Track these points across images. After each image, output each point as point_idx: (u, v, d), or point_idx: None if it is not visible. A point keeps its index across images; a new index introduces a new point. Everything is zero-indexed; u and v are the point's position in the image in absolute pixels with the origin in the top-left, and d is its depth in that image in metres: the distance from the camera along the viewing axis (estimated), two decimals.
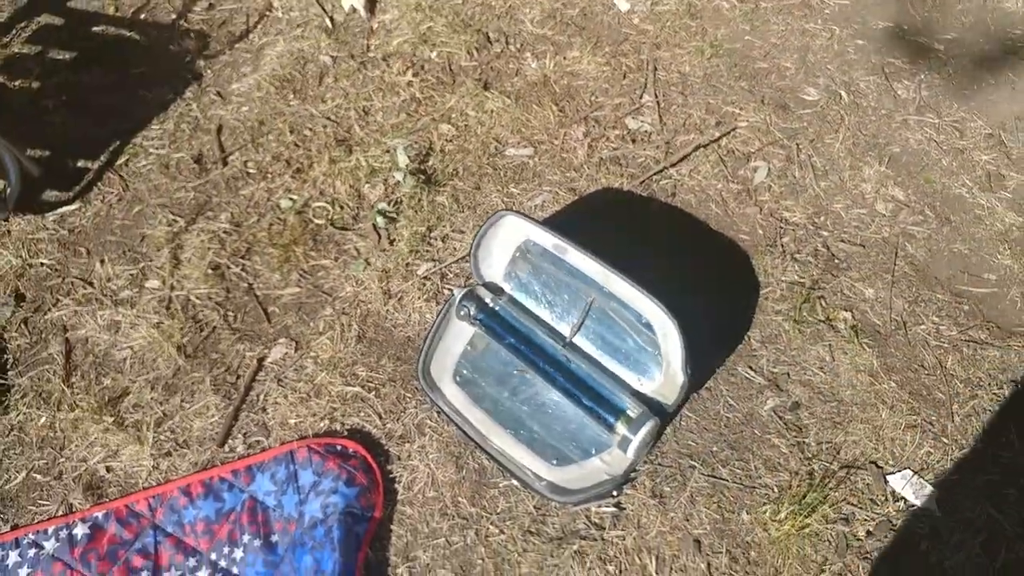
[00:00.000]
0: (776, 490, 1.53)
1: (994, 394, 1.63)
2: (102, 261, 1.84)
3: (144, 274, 1.83)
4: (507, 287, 1.68)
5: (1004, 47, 2.15)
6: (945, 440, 1.58)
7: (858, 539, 1.47)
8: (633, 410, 1.46)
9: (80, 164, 2.00)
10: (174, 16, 2.30)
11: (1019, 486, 1.52)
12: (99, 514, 1.53)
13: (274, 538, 1.49)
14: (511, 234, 1.63)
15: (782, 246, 1.84)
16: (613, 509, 1.52)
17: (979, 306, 1.75)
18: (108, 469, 1.58)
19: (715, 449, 1.58)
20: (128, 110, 2.10)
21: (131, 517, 1.53)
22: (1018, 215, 1.87)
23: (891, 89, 2.10)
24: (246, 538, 1.49)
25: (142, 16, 2.31)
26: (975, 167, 1.95)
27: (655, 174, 1.95)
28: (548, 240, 1.57)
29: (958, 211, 1.89)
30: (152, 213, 1.92)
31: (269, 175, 1.98)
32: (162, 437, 1.62)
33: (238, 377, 1.71)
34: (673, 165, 1.97)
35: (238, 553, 1.48)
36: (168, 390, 1.68)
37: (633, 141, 2.02)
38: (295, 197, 1.93)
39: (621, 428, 1.44)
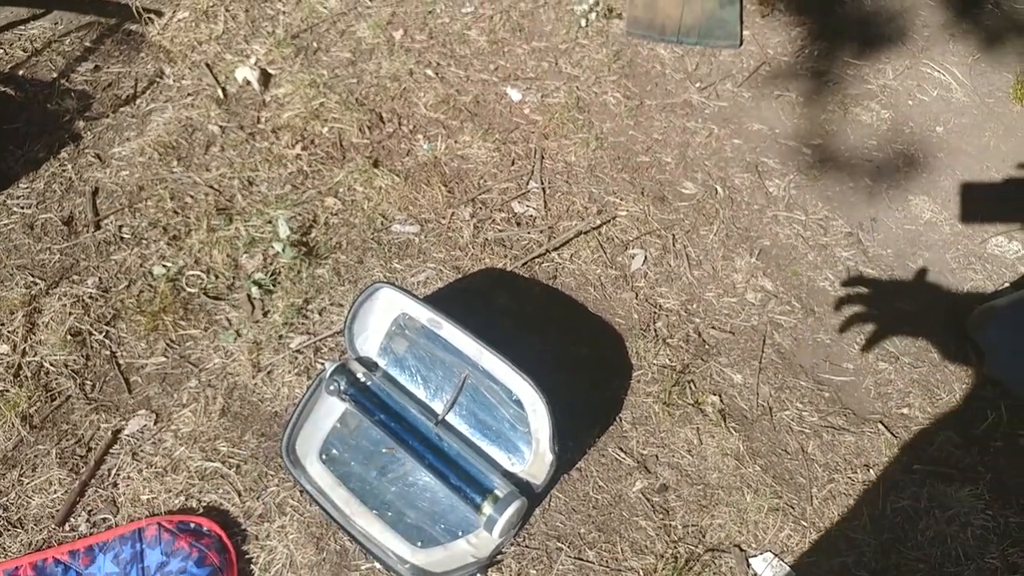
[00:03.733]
0: (641, 573, 1.53)
1: (849, 478, 1.69)
2: None
3: None
4: (382, 362, 1.66)
5: (862, 155, 2.31)
6: (804, 523, 1.62)
7: None
8: (501, 490, 1.45)
9: None
10: (56, 75, 2.24)
11: (870, 569, 1.57)
12: None
13: None
14: (387, 308, 1.62)
15: (655, 331, 1.89)
16: None
17: (838, 393, 1.83)
18: None
19: (583, 531, 1.57)
20: None
21: None
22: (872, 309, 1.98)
23: (763, 186, 2.23)
24: None
25: (20, 72, 2.24)
26: (837, 262, 2.07)
27: (537, 257, 1.99)
28: (424, 314, 1.57)
29: (821, 303, 1.99)
30: (9, 275, 1.82)
31: (144, 241, 1.92)
32: None
33: (89, 450, 1.61)
34: (555, 249, 2.01)
35: None
36: (5, 463, 1.57)
37: (518, 224, 2.06)
38: (169, 264, 1.87)
39: (487, 508, 1.42)
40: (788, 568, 1.55)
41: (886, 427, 1.77)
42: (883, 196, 2.22)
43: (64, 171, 2.04)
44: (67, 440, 1.61)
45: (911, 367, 1.88)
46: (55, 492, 1.53)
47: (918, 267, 2.07)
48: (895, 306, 1.99)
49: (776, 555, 1.57)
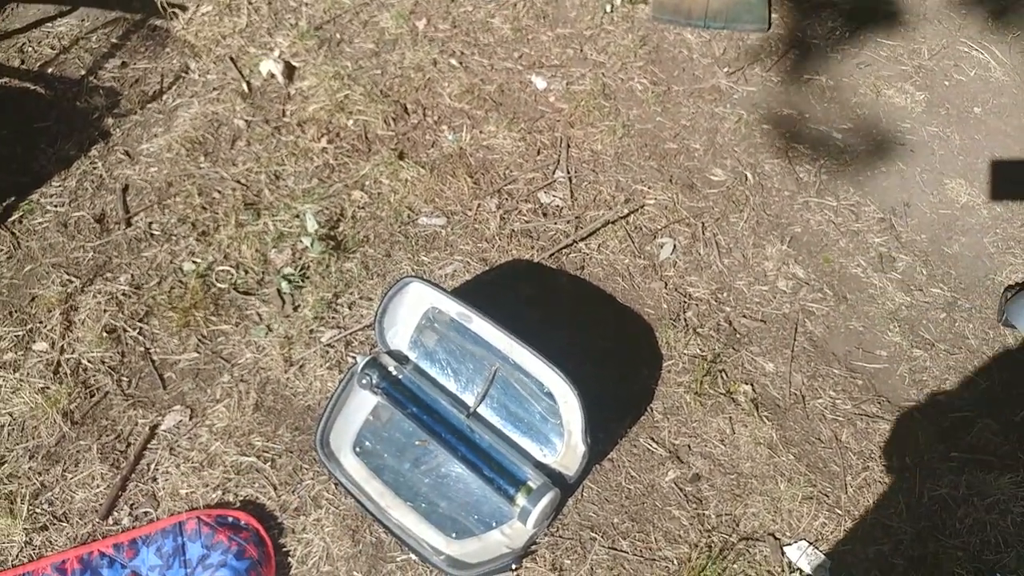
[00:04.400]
0: (676, 562, 1.53)
1: (884, 466, 1.67)
2: None
3: (31, 336, 1.75)
4: (412, 355, 1.66)
5: (895, 139, 2.28)
6: (839, 511, 1.61)
7: None
8: (534, 481, 1.45)
9: None
10: (84, 72, 2.26)
11: (907, 556, 1.56)
12: None
13: None
14: (417, 301, 1.62)
15: (685, 320, 1.88)
16: None
17: (872, 381, 1.81)
18: None
19: (616, 521, 1.57)
20: (27, 165, 2.04)
21: None
22: (906, 295, 1.95)
23: (794, 172, 2.20)
24: None
25: (49, 70, 2.26)
26: (869, 249, 2.04)
27: (565, 247, 1.98)
28: (453, 308, 1.57)
29: (854, 290, 1.97)
30: (45, 273, 1.85)
31: (174, 237, 1.94)
32: (38, 510, 1.53)
33: (128, 445, 1.63)
34: (583, 239, 2.00)
35: None
36: (49, 459, 1.59)
37: (545, 215, 2.05)
38: (199, 260, 1.88)
39: (521, 499, 1.42)
40: (823, 556, 1.54)
41: (922, 415, 1.75)
42: (917, 180, 2.18)
43: (95, 168, 2.06)
44: (107, 435, 1.63)
45: (947, 354, 1.85)
46: (97, 487, 1.56)
47: (954, 252, 2.04)
48: (930, 292, 1.96)
49: (811, 543, 1.56)
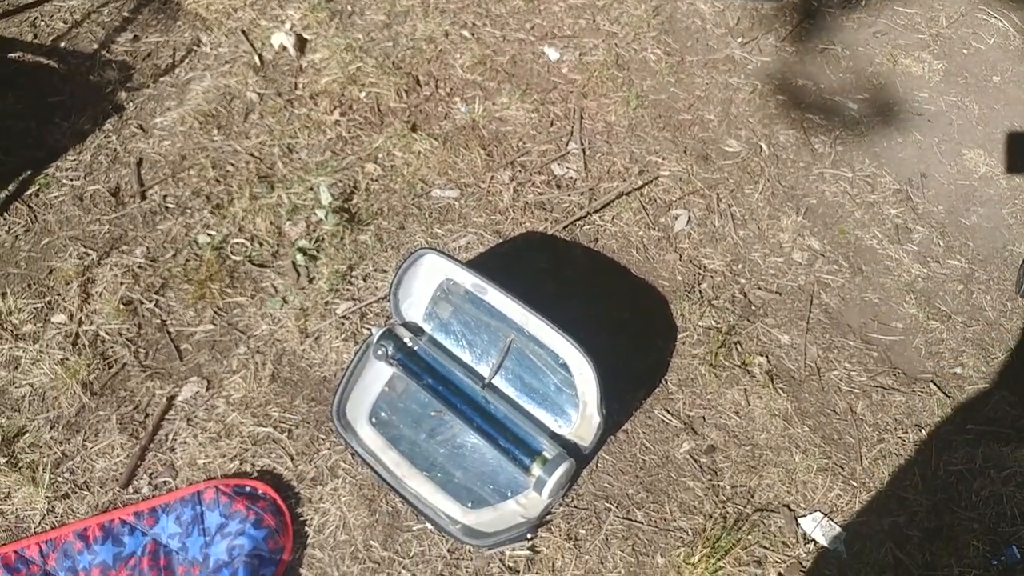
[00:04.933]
0: (690, 533, 1.53)
1: (900, 438, 1.67)
2: (3, 294, 1.76)
3: (50, 308, 1.76)
4: (427, 327, 1.66)
5: (912, 108, 2.25)
6: (854, 483, 1.61)
7: None
8: (549, 451, 1.46)
9: None
10: (96, 46, 2.26)
11: (922, 528, 1.56)
12: None
13: None
14: (432, 273, 1.62)
15: (700, 292, 1.87)
16: (527, 552, 1.50)
17: (887, 353, 1.80)
18: None
19: (631, 491, 1.58)
20: (42, 139, 2.04)
21: (20, 563, 1.44)
22: (923, 267, 1.94)
23: (809, 143, 2.18)
24: None
25: (62, 44, 2.25)
26: (885, 220, 2.03)
27: (578, 219, 1.98)
28: (468, 279, 1.57)
29: (869, 262, 1.96)
30: (62, 246, 1.86)
31: (188, 210, 1.94)
32: (59, 479, 1.54)
33: (147, 416, 1.64)
34: (596, 211, 2.00)
35: None
36: (70, 429, 1.61)
37: (558, 187, 2.05)
38: (213, 233, 1.89)
39: (536, 469, 1.43)
40: (838, 528, 1.55)
41: (938, 387, 1.75)
42: (934, 151, 2.16)
43: (109, 142, 2.06)
44: (125, 406, 1.65)
45: (964, 326, 1.84)
46: (117, 456, 1.58)
47: (972, 223, 2.02)
48: (947, 264, 1.95)
49: (826, 515, 1.56)
